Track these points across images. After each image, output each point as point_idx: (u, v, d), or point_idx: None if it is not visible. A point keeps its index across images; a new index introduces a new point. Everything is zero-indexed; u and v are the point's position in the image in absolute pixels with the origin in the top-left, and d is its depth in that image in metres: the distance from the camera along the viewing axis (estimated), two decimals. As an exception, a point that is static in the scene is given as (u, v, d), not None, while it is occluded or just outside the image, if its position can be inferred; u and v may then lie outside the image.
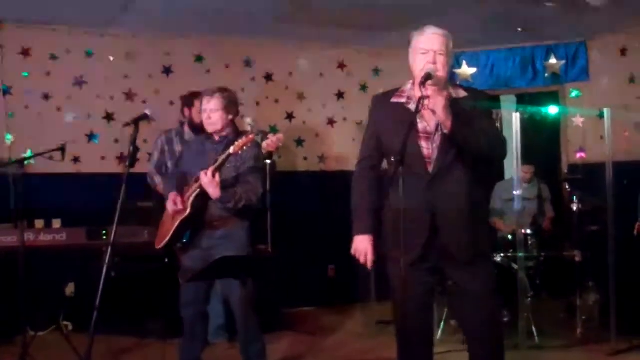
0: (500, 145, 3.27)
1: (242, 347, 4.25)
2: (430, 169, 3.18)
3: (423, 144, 3.20)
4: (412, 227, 3.05)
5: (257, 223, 4.99)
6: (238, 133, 4.25)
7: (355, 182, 3.40)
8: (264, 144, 5.17)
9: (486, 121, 3.28)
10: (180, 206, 4.10)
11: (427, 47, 3.16)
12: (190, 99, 5.51)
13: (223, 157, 3.94)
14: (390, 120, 3.26)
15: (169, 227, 4.18)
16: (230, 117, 4.23)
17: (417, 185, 3.13)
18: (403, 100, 3.27)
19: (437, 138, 3.18)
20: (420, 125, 3.19)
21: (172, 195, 4.15)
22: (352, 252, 3.32)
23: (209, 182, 3.92)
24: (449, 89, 3.24)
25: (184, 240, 4.18)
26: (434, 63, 3.13)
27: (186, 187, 4.19)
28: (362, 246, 3.29)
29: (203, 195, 4.01)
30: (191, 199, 4.05)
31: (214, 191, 3.95)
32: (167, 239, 4.15)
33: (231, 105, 4.23)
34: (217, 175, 3.93)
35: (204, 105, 4.20)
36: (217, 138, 4.23)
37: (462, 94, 3.29)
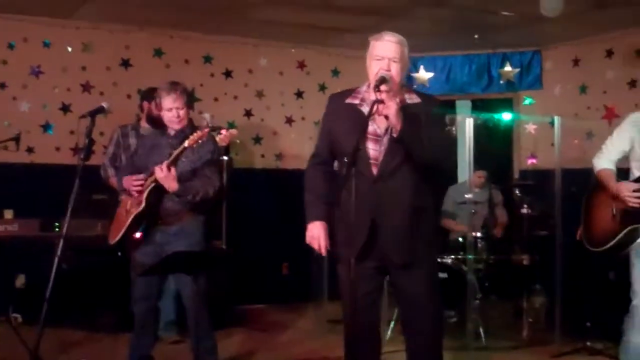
0: (444, 157, 3.32)
1: (192, 342, 4.24)
2: (375, 171, 3.21)
3: (371, 145, 3.22)
4: (356, 226, 3.08)
5: (213, 219, 4.99)
6: (194, 127, 4.25)
7: (307, 175, 3.45)
8: (217, 139, 5.19)
9: (436, 129, 3.27)
10: (139, 183, 4.09)
11: (382, 54, 3.19)
12: (150, 93, 5.50)
13: (178, 150, 3.93)
14: (343, 120, 3.28)
15: (122, 222, 4.16)
16: (190, 111, 4.29)
17: (362, 186, 3.13)
18: (357, 101, 3.30)
19: (386, 141, 3.20)
20: (371, 128, 3.21)
21: (127, 178, 4.14)
22: (307, 240, 3.34)
23: (164, 176, 3.91)
24: (403, 94, 3.28)
25: (139, 232, 4.15)
26: (388, 70, 3.16)
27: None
28: (315, 232, 3.30)
29: (158, 189, 4.01)
30: (145, 193, 4.03)
31: (170, 184, 3.94)
32: (121, 234, 4.13)
33: (189, 99, 4.27)
34: (173, 169, 3.93)
35: (169, 103, 4.13)
36: (172, 133, 4.21)
37: (416, 99, 3.30)
